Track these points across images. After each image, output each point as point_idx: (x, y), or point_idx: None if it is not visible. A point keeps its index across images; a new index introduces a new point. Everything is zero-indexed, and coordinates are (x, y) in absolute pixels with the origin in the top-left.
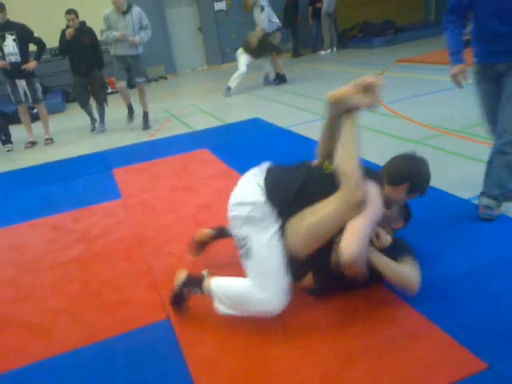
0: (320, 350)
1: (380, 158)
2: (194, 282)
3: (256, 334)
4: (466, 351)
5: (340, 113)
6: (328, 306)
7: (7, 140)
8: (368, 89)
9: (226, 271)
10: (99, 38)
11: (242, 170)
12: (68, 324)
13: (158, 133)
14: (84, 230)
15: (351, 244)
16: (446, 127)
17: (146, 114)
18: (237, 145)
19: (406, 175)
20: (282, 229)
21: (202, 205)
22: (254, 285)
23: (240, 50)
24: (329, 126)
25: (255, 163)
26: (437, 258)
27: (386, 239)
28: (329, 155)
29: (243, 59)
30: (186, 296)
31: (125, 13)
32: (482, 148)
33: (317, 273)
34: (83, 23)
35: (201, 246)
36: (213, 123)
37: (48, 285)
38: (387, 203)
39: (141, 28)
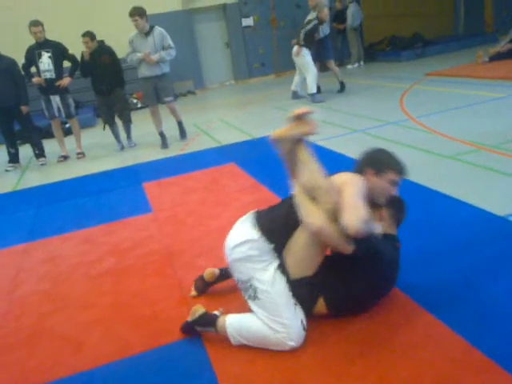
0: (354, 375)
1: (415, 175)
2: (208, 322)
3: (287, 353)
4: (507, 375)
5: (289, 148)
6: (359, 330)
7: (41, 154)
8: (300, 119)
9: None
10: (123, 58)
11: (270, 183)
12: (101, 337)
13: (187, 147)
14: (116, 242)
15: (352, 219)
16: (480, 142)
17: (180, 123)
18: (264, 159)
19: (363, 162)
20: (282, 263)
21: (232, 218)
22: (268, 326)
23: (299, 50)
24: (288, 161)
25: (282, 177)
26: (472, 276)
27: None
28: None
29: (309, 57)
30: (197, 332)
31: (147, 34)
32: None
33: (328, 295)
34: (101, 42)
35: (207, 285)
36: (241, 137)
37: (81, 297)
38: (372, 197)
39: (163, 48)
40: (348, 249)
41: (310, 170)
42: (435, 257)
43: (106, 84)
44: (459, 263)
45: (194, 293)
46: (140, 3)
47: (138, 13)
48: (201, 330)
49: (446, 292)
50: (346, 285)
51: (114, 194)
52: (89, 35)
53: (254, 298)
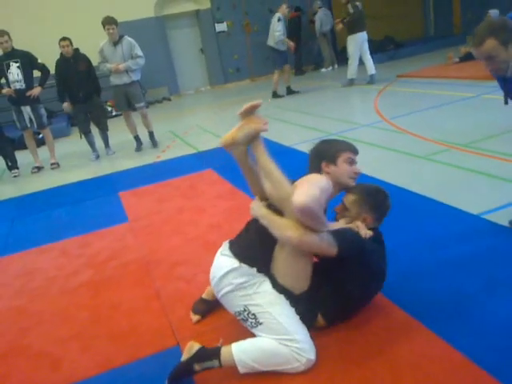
0: (334, 377)
1: (389, 176)
2: (209, 354)
3: None
4: (484, 373)
5: (242, 150)
6: (339, 335)
7: (13, 166)
8: (248, 116)
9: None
10: (97, 66)
11: (247, 189)
12: (78, 352)
13: (163, 154)
14: (92, 254)
15: (300, 195)
16: (451, 141)
17: (151, 134)
18: None
19: (313, 160)
20: (276, 282)
21: (210, 225)
22: (280, 343)
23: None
24: (244, 167)
25: None
26: (448, 275)
27: (365, 232)
28: (263, 193)
29: None
30: (194, 371)
31: (116, 44)
32: (490, 162)
33: (326, 310)
34: (77, 50)
35: (210, 305)
36: (217, 143)
37: (58, 311)
38: (341, 185)
39: (131, 57)
40: (332, 251)
41: (274, 180)
42: (410, 255)
43: (83, 91)
44: (434, 262)
45: (195, 317)
46: (112, 11)
47: (114, 21)
48: (200, 368)
49: (421, 290)
50: (340, 294)
51: (89, 205)
52: (69, 39)
53: (257, 324)
